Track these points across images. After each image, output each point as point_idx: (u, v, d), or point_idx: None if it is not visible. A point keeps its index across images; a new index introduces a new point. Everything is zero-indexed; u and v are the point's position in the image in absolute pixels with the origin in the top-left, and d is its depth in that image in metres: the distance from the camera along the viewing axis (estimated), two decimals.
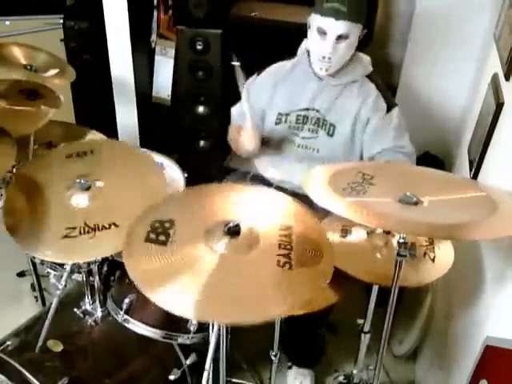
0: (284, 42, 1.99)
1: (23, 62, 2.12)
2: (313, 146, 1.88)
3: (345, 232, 1.54)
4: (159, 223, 1.23)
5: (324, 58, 1.74)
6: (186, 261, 1.14)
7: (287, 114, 1.89)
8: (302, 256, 1.18)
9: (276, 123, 1.91)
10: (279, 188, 1.90)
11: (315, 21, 1.73)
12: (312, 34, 1.77)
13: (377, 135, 1.82)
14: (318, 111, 1.85)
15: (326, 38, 1.71)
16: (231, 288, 1.10)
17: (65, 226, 1.40)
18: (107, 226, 1.40)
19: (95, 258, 1.54)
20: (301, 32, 1.86)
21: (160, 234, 1.20)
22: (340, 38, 1.70)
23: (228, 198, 1.37)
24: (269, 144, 1.95)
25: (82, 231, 1.39)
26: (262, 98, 1.93)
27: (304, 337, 2.00)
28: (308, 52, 1.86)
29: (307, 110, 1.86)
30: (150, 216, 1.26)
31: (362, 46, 1.89)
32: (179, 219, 1.25)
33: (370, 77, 1.85)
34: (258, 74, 1.97)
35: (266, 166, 2.04)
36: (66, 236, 1.38)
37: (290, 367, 2.10)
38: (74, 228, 1.40)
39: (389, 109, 1.81)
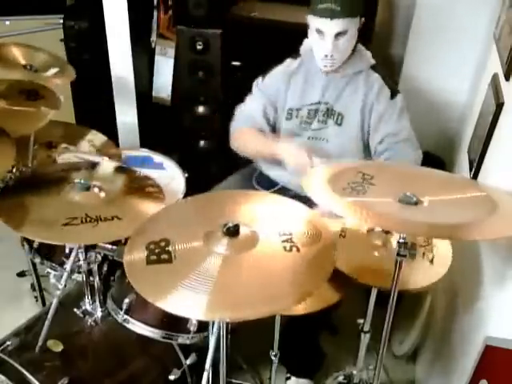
0: (284, 42, 2.00)
1: (23, 62, 2.12)
2: (322, 137, 1.91)
3: (344, 232, 1.54)
4: (154, 244, 1.20)
5: (326, 56, 1.77)
6: (192, 267, 1.13)
7: (298, 109, 1.92)
8: (303, 238, 1.21)
9: (287, 118, 1.94)
10: (284, 189, 1.90)
11: (312, 21, 1.76)
12: (312, 33, 1.80)
13: (381, 120, 1.85)
14: (327, 103, 1.89)
15: (325, 37, 1.74)
16: (243, 284, 1.11)
17: (65, 216, 1.40)
18: (110, 218, 1.41)
19: (101, 242, 1.53)
20: (301, 32, 1.86)
21: (160, 253, 1.17)
22: (338, 34, 1.73)
23: (219, 203, 1.39)
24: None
25: (84, 221, 1.39)
26: (273, 96, 1.96)
27: (304, 343, 1.99)
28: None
29: (318, 103, 1.90)
30: (141, 240, 1.23)
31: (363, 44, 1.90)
32: (173, 235, 1.22)
33: (374, 68, 1.89)
34: (264, 76, 1.99)
35: (271, 165, 2.03)
36: (67, 224, 1.38)
37: (288, 378, 2.05)
38: (75, 218, 1.40)
39: (392, 96, 1.85)
